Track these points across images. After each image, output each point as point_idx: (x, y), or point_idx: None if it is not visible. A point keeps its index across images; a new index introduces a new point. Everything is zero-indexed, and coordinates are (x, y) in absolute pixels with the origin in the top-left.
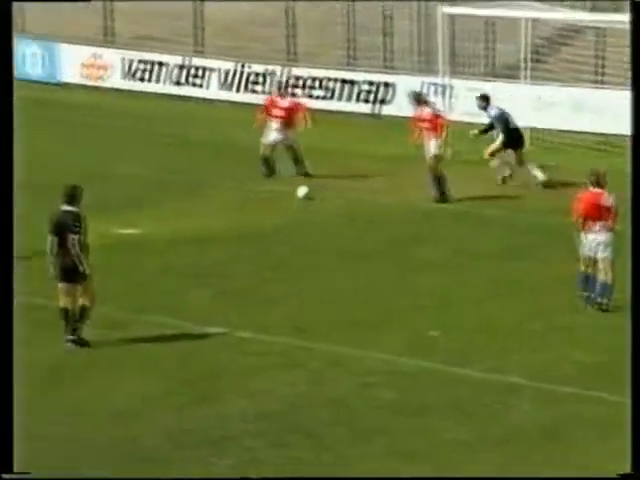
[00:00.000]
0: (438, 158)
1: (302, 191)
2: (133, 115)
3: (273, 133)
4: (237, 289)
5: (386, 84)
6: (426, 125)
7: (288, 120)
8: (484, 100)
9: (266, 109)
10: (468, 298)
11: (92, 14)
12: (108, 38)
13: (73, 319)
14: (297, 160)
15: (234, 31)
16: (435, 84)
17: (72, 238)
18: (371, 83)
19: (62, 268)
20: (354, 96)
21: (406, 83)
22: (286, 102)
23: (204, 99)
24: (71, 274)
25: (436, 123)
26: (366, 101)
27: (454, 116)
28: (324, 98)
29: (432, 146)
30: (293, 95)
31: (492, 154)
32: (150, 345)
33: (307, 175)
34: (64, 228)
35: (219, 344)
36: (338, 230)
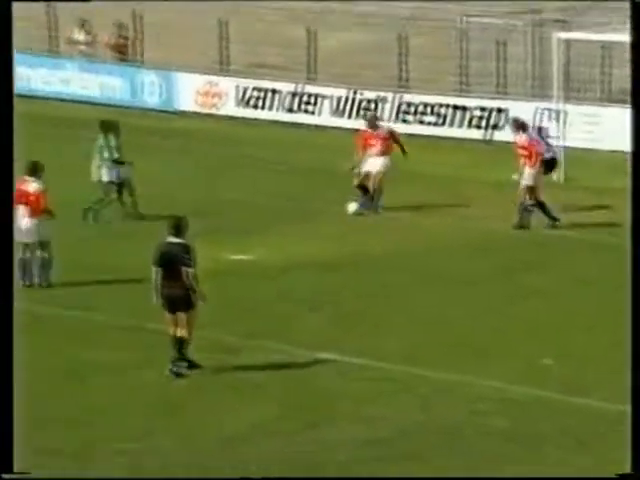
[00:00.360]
0: (529, 189)
1: (352, 207)
2: (246, 142)
3: (369, 162)
4: (349, 315)
5: (499, 110)
6: (523, 152)
7: (384, 149)
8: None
9: (362, 143)
10: (579, 325)
11: (208, 43)
12: (223, 66)
13: (178, 350)
14: (366, 190)
15: (346, 58)
16: (549, 110)
17: (186, 271)
18: (483, 109)
19: (169, 299)
20: (466, 122)
21: (519, 109)
22: (379, 133)
23: (316, 126)
24: (178, 304)
25: (532, 151)
26: (478, 127)
27: (568, 142)
28: (436, 124)
29: (525, 175)
30: (404, 121)
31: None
32: (262, 370)
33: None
34: (175, 261)
35: (331, 370)
36: (448, 256)
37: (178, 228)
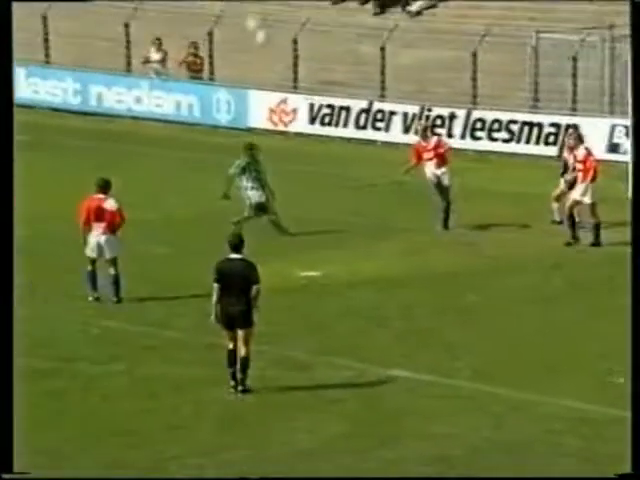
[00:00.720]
0: (593, 205)
1: (252, 24)
2: (317, 159)
3: (432, 176)
4: (418, 332)
5: (571, 126)
6: (579, 167)
7: (440, 159)
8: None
9: (417, 156)
10: None
11: (280, 60)
12: (295, 84)
13: (236, 368)
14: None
15: (418, 75)
16: (624, 126)
17: (255, 288)
18: (556, 125)
19: (230, 316)
20: (538, 138)
21: (593, 125)
22: (432, 143)
23: (387, 142)
24: (238, 321)
25: (587, 166)
26: (550, 143)
27: None
28: (507, 141)
29: (577, 190)
30: (475, 138)
31: (559, 197)
32: (332, 386)
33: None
34: (240, 277)
35: (401, 387)
36: (521, 273)
37: (239, 245)
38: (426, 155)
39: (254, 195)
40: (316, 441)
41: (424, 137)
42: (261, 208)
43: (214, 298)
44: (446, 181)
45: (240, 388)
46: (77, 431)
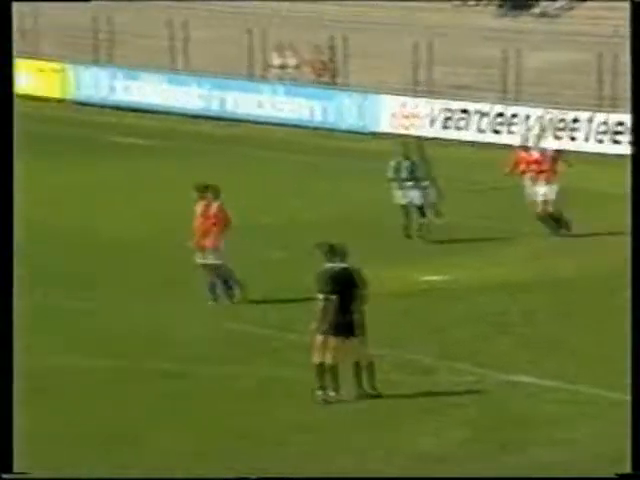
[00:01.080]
0: None
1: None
2: (442, 163)
3: (535, 190)
4: (542, 337)
5: None
6: None
7: (543, 173)
8: None
9: (517, 165)
10: None
11: (404, 65)
12: (417, 87)
13: (327, 379)
14: (554, 219)
15: (543, 78)
16: None
17: (362, 294)
18: None
19: (339, 324)
20: None
21: None
22: (535, 155)
23: (512, 146)
24: (350, 329)
25: None
26: None
27: None
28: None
29: None
30: (613, 141)
31: None
32: (453, 391)
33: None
34: (350, 285)
35: (522, 392)
36: None
37: (337, 252)
38: (532, 167)
39: (414, 196)
40: (438, 445)
41: (529, 147)
42: (419, 209)
43: (320, 306)
44: (553, 196)
45: (356, 393)
46: (199, 432)
